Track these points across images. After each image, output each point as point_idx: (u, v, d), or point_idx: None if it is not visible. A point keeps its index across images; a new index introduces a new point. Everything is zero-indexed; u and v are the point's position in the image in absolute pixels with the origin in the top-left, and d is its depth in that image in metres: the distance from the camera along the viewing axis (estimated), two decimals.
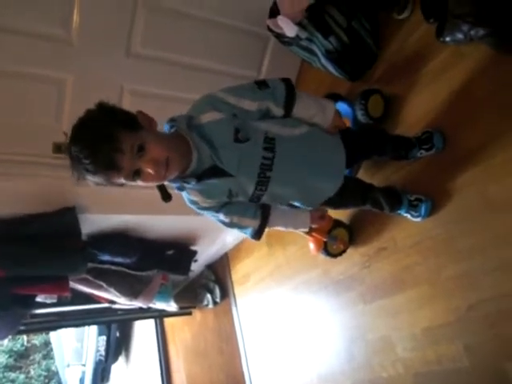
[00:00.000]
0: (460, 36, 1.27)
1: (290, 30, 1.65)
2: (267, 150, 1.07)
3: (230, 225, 1.20)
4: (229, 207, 1.15)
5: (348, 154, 1.23)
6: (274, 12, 1.70)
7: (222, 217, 1.16)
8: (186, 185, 1.09)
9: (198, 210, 1.17)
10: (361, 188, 1.46)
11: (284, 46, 1.86)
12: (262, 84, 1.10)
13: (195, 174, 1.07)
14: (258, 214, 1.20)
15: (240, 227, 1.21)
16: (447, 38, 1.31)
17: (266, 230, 1.23)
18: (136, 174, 0.98)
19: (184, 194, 1.15)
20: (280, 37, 1.77)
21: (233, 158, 1.05)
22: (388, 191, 1.53)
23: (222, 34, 2.00)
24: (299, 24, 1.63)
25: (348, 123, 1.67)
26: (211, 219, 1.22)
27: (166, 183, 1.11)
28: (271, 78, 1.13)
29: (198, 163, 1.05)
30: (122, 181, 1.00)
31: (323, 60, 1.78)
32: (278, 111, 1.11)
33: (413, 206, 1.50)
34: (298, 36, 1.68)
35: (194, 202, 1.14)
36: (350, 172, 1.65)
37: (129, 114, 1.03)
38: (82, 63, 1.79)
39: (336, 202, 1.32)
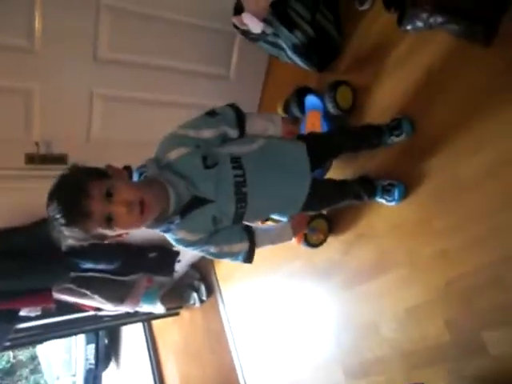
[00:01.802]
0: (420, 24, 1.31)
1: (255, 26, 1.67)
2: (236, 169, 1.13)
3: (221, 255, 1.22)
4: (215, 237, 1.16)
5: (314, 154, 1.28)
6: (239, 9, 1.72)
7: (212, 249, 1.18)
8: (171, 226, 1.10)
9: (186, 247, 1.17)
10: (335, 186, 1.52)
11: (251, 42, 1.88)
12: (212, 113, 1.17)
13: (177, 211, 1.08)
14: (245, 236, 1.22)
15: (231, 255, 1.22)
16: (408, 27, 1.35)
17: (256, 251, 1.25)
18: (110, 220, 0.96)
19: (168, 235, 1.14)
20: (246, 33, 1.79)
21: (209, 184, 1.09)
22: (362, 180, 1.58)
23: (188, 34, 2.00)
24: (264, 20, 1.65)
25: (318, 119, 1.71)
26: (200, 254, 1.22)
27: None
28: (219, 107, 1.21)
29: (177, 200, 1.06)
30: (100, 231, 0.98)
31: (290, 53, 1.81)
32: (233, 132, 1.19)
33: (386, 191, 1.55)
34: (263, 32, 1.69)
35: (180, 241, 1.14)
36: (322, 171, 1.68)
37: (97, 167, 1.04)
38: (48, 71, 1.76)
39: (315, 205, 1.38)
